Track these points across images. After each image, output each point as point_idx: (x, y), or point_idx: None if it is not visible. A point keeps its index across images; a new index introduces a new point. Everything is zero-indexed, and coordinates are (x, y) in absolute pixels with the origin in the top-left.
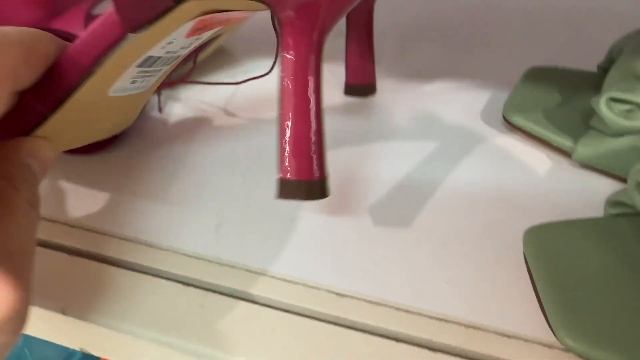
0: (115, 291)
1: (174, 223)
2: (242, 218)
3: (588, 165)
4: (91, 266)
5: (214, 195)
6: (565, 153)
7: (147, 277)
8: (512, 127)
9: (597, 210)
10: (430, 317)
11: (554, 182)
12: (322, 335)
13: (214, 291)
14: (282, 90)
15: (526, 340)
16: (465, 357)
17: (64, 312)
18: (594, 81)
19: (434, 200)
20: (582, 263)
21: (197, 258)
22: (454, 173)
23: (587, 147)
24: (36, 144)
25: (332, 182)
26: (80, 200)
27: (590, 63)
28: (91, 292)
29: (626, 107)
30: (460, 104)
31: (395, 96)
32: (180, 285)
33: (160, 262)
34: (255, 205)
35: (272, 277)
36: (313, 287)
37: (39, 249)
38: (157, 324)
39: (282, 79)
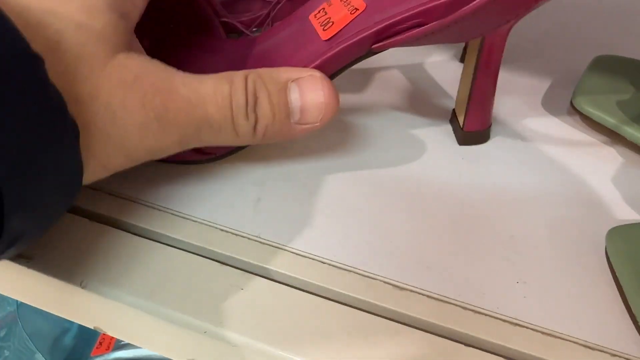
0: (138, 264)
1: (208, 194)
2: (283, 193)
3: None
4: (114, 235)
5: (255, 167)
6: (637, 147)
7: (178, 251)
8: (580, 116)
9: None
10: (503, 320)
11: (628, 179)
12: (376, 330)
13: (254, 273)
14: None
15: (613, 355)
16: None
17: (83, 286)
18: None
19: (501, 195)
20: None
21: (234, 234)
22: (521, 167)
23: None
24: None
25: (392, 172)
26: None
27: None
28: (114, 265)
29: None
30: (523, 92)
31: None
32: (216, 264)
33: (193, 236)
34: (296, 180)
35: (317, 260)
36: (367, 277)
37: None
38: (187, 304)
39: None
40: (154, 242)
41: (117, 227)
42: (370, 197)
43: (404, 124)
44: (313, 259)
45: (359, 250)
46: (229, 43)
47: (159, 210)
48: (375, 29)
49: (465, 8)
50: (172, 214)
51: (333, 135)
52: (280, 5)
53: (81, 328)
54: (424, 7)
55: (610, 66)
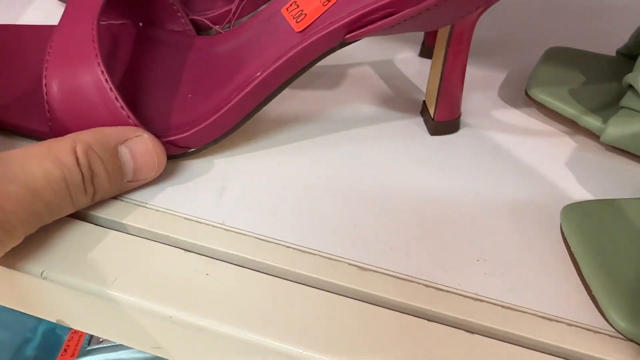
0: (102, 254)
1: (173, 184)
2: (247, 182)
3: (614, 148)
4: (78, 226)
5: (218, 157)
6: (590, 133)
7: (141, 240)
8: (536, 106)
9: (624, 194)
10: (465, 296)
11: (583, 163)
12: (342, 309)
13: (219, 259)
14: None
15: (569, 324)
16: (504, 340)
17: (44, 276)
18: (615, 65)
19: (465, 181)
20: (626, 243)
21: (199, 222)
22: (485, 155)
23: (618, 127)
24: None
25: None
26: None
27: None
28: (75, 254)
29: None
30: (479, 81)
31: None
32: (180, 251)
33: (156, 224)
34: (259, 170)
35: (281, 244)
36: (332, 259)
37: None
38: (152, 292)
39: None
40: (116, 232)
41: (81, 219)
42: (337, 186)
43: (373, 117)
44: (277, 244)
45: (323, 235)
46: (200, 40)
47: (122, 200)
48: (348, 19)
49: None
50: (134, 204)
51: (302, 128)
52: (244, 1)
53: (44, 337)
54: None
55: (562, 57)
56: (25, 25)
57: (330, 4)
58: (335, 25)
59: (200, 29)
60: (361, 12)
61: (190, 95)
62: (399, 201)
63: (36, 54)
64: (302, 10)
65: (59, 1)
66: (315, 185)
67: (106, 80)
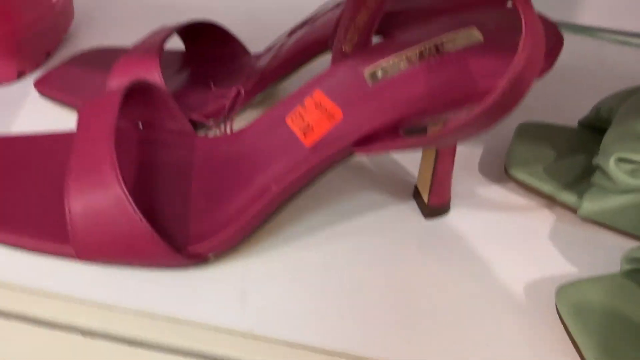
0: None
1: (192, 289)
2: (267, 284)
3: (590, 220)
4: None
5: (232, 260)
6: (567, 207)
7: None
8: (515, 182)
9: (604, 264)
10: None
11: (566, 236)
12: None
13: None
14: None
15: None
16: None
17: None
18: (580, 137)
19: (456, 262)
20: (622, 320)
21: (225, 332)
22: (468, 231)
23: (593, 203)
24: None
25: None
26: None
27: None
28: None
29: (631, 166)
30: (461, 159)
31: None
32: None
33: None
34: (275, 270)
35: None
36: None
37: None
38: None
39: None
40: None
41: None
42: (353, 281)
43: (372, 204)
44: (309, 348)
45: (354, 335)
46: (202, 141)
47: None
48: (355, 138)
49: (445, 130)
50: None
51: (306, 222)
52: (238, 97)
53: None
54: (398, 117)
55: (533, 133)
56: (21, 136)
57: (336, 121)
58: (344, 144)
59: (195, 125)
60: (367, 132)
61: (202, 204)
62: (412, 292)
63: (42, 166)
64: (309, 124)
65: (50, 103)
66: (330, 281)
67: (130, 202)
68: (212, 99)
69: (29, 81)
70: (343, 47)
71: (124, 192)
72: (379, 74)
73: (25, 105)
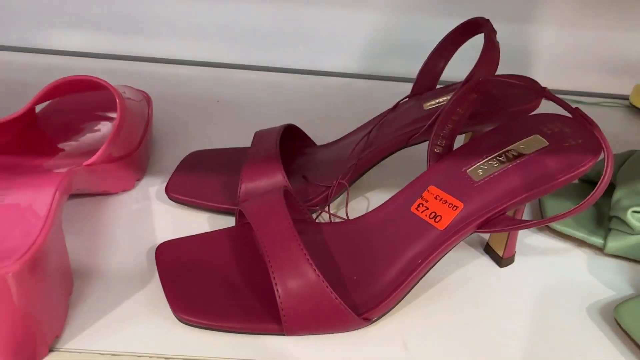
0: None
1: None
2: None
3: (613, 255)
4: None
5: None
6: (594, 247)
7: None
8: (548, 230)
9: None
10: None
11: (598, 268)
12: None
13: None
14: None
15: None
16: None
17: None
18: (585, 190)
19: (530, 302)
20: None
21: None
22: (530, 272)
23: (616, 243)
24: None
25: None
26: None
27: None
28: None
29: None
30: None
31: None
32: None
33: None
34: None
35: None
36: None
37: None
38: None
39: None
40: None
41: None
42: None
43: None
44: None
45: None
46: (326, 226)
47: None
48: (477, 223)
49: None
50: None
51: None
52: (335, 186)
53: None
54: (506, 205)
55: (558, 191)
56: (186, 237)
57: (459, 209)
58: (470, 226)
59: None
60: (488, 215)
61: (355, 278)
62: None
63: (216, 259)
64: (436, 212)
65: (163, 203)
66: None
67: (326, 286)
68: (312, 190)
69: (142, 185)
70: (435, 150)
71: (322, 279)
72: (480, 172)
73: (149, 206)
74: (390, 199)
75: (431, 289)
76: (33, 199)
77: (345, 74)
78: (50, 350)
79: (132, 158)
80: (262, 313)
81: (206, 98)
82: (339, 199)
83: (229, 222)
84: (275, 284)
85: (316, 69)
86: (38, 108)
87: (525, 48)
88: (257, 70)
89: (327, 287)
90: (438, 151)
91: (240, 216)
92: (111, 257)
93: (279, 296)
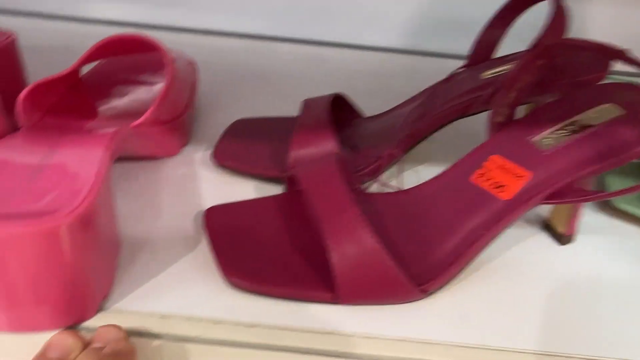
0: None
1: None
2: None
3: None
4: None
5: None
6: None
7: None
8: (614, 213)
9: None
10: None
11: None
12: None
13: None
14: None
15: None
16: None
17: None
18: None
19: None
20: None
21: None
22: (597, 247)
23: None
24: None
25: None
26: None
27: None
28: None
29: None
30: None
31: None
32: None
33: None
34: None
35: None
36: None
37: None
38: None
39: None
40: None
41: None
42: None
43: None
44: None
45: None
46: (380, 197)
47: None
48: (547, 192)
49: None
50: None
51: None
52: (389, 158)
53: None
54: (575, 177)
55: (623, 168)
56: (235, 202)
57: (526, 180)
58: (538, 199)
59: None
60: (557, 187)
61: (414, 249)
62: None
63: (268, 225)
64: (499, 182)
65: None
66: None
67: (385, 252)
68: (362, 160)
69: (186, 151)
70: (497, 119)
71: (380, 246)
72: (548, 142)
73: (194, 172)
74: (448, 169)
75: (488, 264)
76: (81, 158)
77: (387, 48)
78: (99, 310)
79: (178, 123)
80: (314, 281)
81: (248, 70)
82: (388, 171)
83: (275, 189)
84: (330, 250)
85: (358, 43)
86: (83, 71)
87: (578, 28)
88: (299, 43)
89: (386, 254)
90: (499, 120)
91: (289, 183)
92: (158, 221)
93: (334, 263)
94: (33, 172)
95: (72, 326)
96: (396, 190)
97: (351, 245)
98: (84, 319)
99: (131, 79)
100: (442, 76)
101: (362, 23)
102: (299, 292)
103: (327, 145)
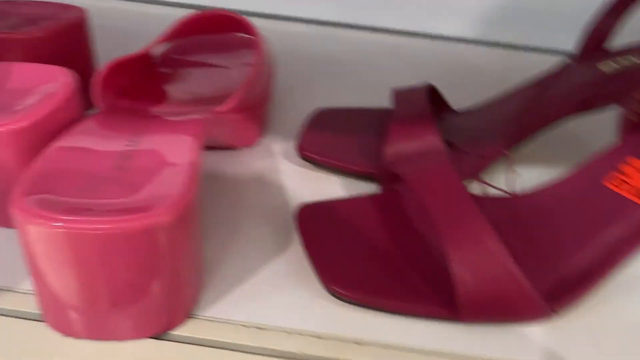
0: None
1: None
2: None
3: None
4: None
5: None
6: None
7: None
8: None
9: None
10: None
11: None
12: None
13: None
14: None
15: None
16: None
17: None
18: None
19: None
20: None
21: None
22: None
23: None
24: None
25: None
26: None
27: None
28: None
29: None
30: None
31: None
32: None
33: None
34: None
35: None
36: None
37: None
38: None
39: None
40: None
41: None
42: None
43: None
44: None
45: None
46: (489, 201)
47: None
48: None
49: None
50: None
51: None
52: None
53: None
54: None
55: None
56: (333, 200)
57: None
58: None
59: None
60: None
61: (532, 263)
62: None
63: (366, 228)
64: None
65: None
66: None
67: (515, 268)
68: (461, 158)
69: (264, 143)
70: (631, 117)
71: (511, 259)
72: None
73: (275, 165)
74: (574, 172)
75: (624, 281)
76: (171, 146)
77: (461, 39)
78: (188, 317)
79: (260, 111)
80: (428, 294)
81: (318, 57)
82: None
83: (364, 186)
84: (453, 262)
85: (431, 32)
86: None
87: None
88: (369, 31)
89: (518, 270)
90: (635, 119)
91: (387, 181)
92: (242, 218)
93: (458, 278)
94: (119, 160)
95: (161, 334)
96: (504, 193)
97: (477, 258)
98: (172, 326)
99: (204, 62)
100: (522, 70)
101: (434, 12)
102: (412, 306)
103: (430, 141)
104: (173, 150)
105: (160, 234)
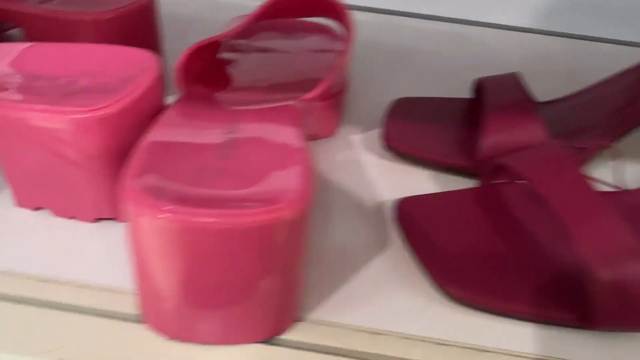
0: None
1: None
2: None
3: None
4: None
5: None
6: None
7: None
8: None
9: None
10: None
11: None
12: None
13: None
14: None
15: None
16: None
17: None
18: None
19: None
20: None
21: None
22: None
23: None
24: None
25: None
26: None
27: None
28: None
29: None
30: None
31: None
32: None
33: None
34: None
35: None
36: None
37: None
38: None
39: None
40: None
41: None
42: None
43: None
44: None
45: None
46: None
47: None
48: None
49: None
50: None
51: None
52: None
53: None
54: None
55: None
56: (430, 194)
57: None
58: None
59: None
60: None
61: None
62: None
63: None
64: None
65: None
66: None
67: None
68: None
69: (341, 133)
70: None
71: None
72: None
73: (355, 157)
74: None
75: None
76: (274, 135)
77: (529, 29)
78: (296, 320)
79: (340, 99)
80: (554, 297)
81: (385, 46)
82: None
83: (454, 179)
84: (589, 265)
85: (496, 22)
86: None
87: None
88: (435, 20)
89: None
90: None
91: (489, 175)
92: (334, 213)
93: (595, 282)
94: (223, 149)
95: (272, 339)
96: (614, 188)
97: (617, 262)
98: (282, 330)
99: (272, 49)
100: (592, 61)
101: (502, 1)
102: (538, 310)
103: (531, 131)
104: (278, 139)
105: (282, 229)
